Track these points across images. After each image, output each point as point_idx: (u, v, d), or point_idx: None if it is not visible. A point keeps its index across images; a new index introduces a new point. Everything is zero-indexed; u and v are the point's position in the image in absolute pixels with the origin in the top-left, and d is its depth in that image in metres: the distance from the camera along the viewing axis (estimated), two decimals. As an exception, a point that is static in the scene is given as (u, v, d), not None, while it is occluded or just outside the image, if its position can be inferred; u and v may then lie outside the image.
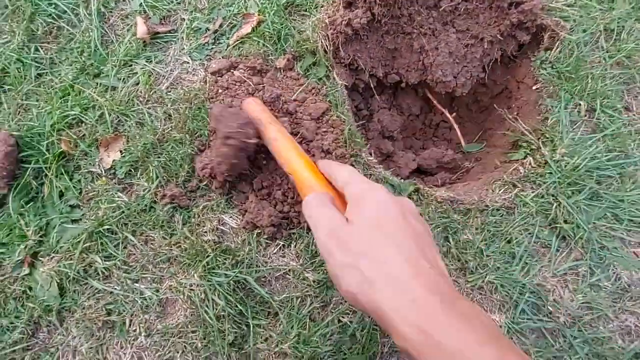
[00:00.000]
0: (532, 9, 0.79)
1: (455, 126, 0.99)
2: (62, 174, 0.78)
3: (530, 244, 0.74)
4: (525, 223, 0.75)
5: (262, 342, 0.69)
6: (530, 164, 0.79)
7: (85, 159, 0.79)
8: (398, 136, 0.95)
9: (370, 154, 0.79)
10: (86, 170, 0.79)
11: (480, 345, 0.33)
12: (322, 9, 0.87)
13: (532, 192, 0.76)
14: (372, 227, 0.41)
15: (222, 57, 0.87)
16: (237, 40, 0.87)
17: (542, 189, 0.76)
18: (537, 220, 0.75)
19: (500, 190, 0.78)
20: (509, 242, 0.74)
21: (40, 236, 0.75)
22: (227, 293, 0.70)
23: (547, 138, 0.80)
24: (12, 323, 0.71)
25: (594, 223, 0.75)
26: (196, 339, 0.69)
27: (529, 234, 0.74)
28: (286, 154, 0.62)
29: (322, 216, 0.45)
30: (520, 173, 0.79)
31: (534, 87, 0.85)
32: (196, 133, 0.79)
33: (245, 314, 0.70)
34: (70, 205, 0.77)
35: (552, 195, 0.76)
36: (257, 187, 0.73)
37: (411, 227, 0.41)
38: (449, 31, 0.83)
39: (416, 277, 0.37)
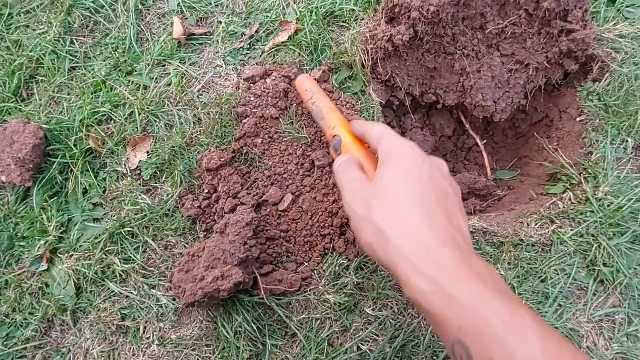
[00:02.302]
0: (584, 39, 0.75)
1: (484, 154, 0.95)
2: (87, 170, 0.77)
3: (566, 285, 0.70)
4: (561, 262, 0.71)
5: (277, 364, 0.67)
6: (569, 199, 0.75)
7: (112, 157, 0.78)
8: (429, 157, 0.92)
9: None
10: (112, 169, 0.77)
11: (491, 299, 0.33)
12: (363, 21, 0.84)
13: (571, 230, 0.72)
14: (394, 181, 0.42)
15: (256, 64, 0.85)
16: (273, 48, 0.85)
17: (582, 228, 0.72)
18: (575, 261, 0.71)
19: (536, 225, 0.74)
20: (543, 281, 0.70)
21: (61, 232, 0.74)
22: (245, 309, 0.67)
23: (590, 174, 0.76)
24: (25, 319, 0.70)
25: (635, 268, 0.71)
26: (210, 354, 0.67)
27: (565, 274, 0.70)
28: (330, 117, 0.64)
29: (347, 180, 0.47)
30: (559, 208, 0.75)
31: (578, 119, 0.81)
32: (224, 139, 0.78)
33: (263, 331, 0.68)
34: (93, 203, 0.76)
35: (592, 235, 0.72)
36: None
37: (436, 185, 0.42)
38: (493, 54, 0.80)
39: (432, 230, 0.37)
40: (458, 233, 0.39)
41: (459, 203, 0.43)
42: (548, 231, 0.73)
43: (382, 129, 0.49)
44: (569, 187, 0.78)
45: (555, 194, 0.78)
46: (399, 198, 0.40)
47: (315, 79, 0.78)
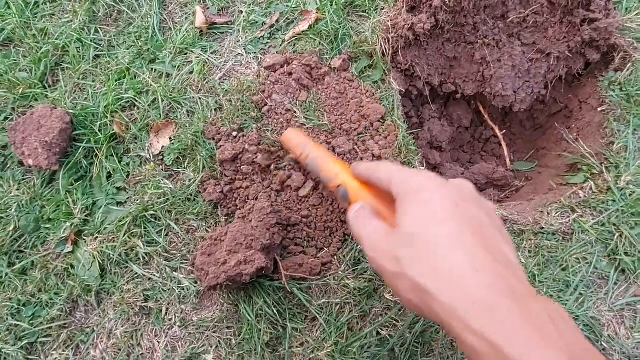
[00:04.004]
0: (607, 28, 0.75)
1: (504, 144, 0.95)
2: (111, 155, 0.79)
3: (587, 274, 0.69)
4: (582, 251, 0.71)
5: (297, 347, 0.67)
6: (591, 189, 0.75)
7: (135, 143, 0.79)
8: (447, 147, 0.92)
9: (422, 164, 0.76)
10: (135, 154, 0.79)
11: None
12: (383, 11, 0.85)
13: (592, 219, 0.72)
14: (419, 226, 0.36)
15: (277, 53, 0.86)
16: (293, 37, 0.86)
17: (604, 217, 0.72)
18: (596, 250, 0.71)
19: (556, 214, 0.74)
20: (564, 269, 0.70)
21: (86, 215, 0.75)
22: (266, 293, 0.68)
23: (612, 163, 0.76)
24: (51, 299, 0.71)
25: (657, 258, 0.70)
26: (231, 336, 0.68)
27: (587, 263, 0.70)
28: (328, 168, 0.58)
29: (366, 232, 0.42)
30: (580, 197, 0.74)
31: (599, 109, 0.81)
32: (243, 125, 0.78)
33: (283, 315, 0.68)
34: (117, 188, 0.77)
35: (614, 225, 0.71)
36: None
37: (467, 217, 0.36)
38: (514, 44, 0.80)
39: (475, 275, 0.32)
40: (507, 268, 0.33)
41: (498, 227, 0.37)
42: (569, 220, 0.73)
43: (388, 168, 0.44)
44: (589, 177, 0.77)
45: (576, 184, 0.78)
46: (430, 244, 0.35)
47: (301, 132, 0.71)
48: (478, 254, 0.33)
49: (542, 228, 0.72)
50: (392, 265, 0.36)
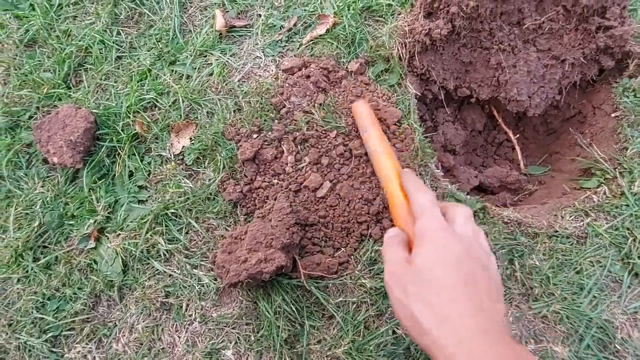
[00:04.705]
0: (622, 35, 0.76)
1: (518, 148, 0.96)
2: (133, 154, 0.80)
3: (601, 277, 0.70)
4: (596, 254, 0.72)
5: (315, 344, 0.69)
6: (604, 193, 0.76)
7: (157, 143, 0.81)
8: (460, 151, 0.93)
9: (437, 167, 0.77)
10: (156, 154, 0.81)
11: None
12: (400, 16, 0.86)
13: (606, 223, 0.73)
14: (426, 267, 0.43)
15: (295, 56, 0.88)
16: (311, 40, 0.88)
17: (617, 221, 0.73)
18: (610, 253, 0.72)
19: (570, 217, 0.75)
20: (578, 272, 0.71)
21: (109, 212, 0.77)
22: (284, 290, 0.70)
23: (625, 169, 0.77)
24: (75, 294, 0.73)
25: (671, 263, 0.71)
26: (250, 332, 0.70)
27: (601, 266, 0.71)
28: (385, 171, 0.64)
29: (390, 256, 0.48)
30: (594, 202, 0.76)
31: (613, 115, 0.82)
32: (262, 126, 0.80)
33: (301, 313, 0.70)
34: (138, 186, 0.79)
35: (628, 229, 0.72)
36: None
37: (469, 269, 0.42)
38: (529, 49, 0.81)
39: (464, 317, 0.38)
40: (491, 318, 0.39)
41: (496, 285, 0.43)
42: (583, 224, 0.74)
43: (425, 203, 0.49)
44: (603, 181, 0.78)
45: (590, 188, 0.79)
46: (432, 284, 0.41)
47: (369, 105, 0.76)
48: (470, 301, 0.40)
49: (556, 231, 0.73)
50: (400, 294, 0.43)
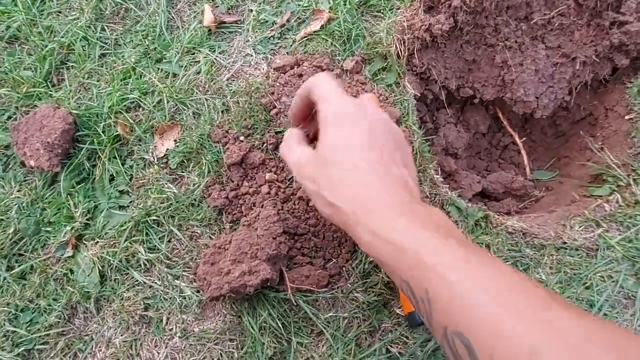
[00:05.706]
0: (638, 31, 0.70)
1: (523, 152, 0.91)
2: (115, 157, 0.76)
3: (613, 294, 0.65)
4: (608, 269, 0.66)
5: (302, 362, 0.64)
6: (617, 202, 0.71)
7: (139, 145, 0.77)
8: (462, 154, 0.88)
9: (437, 172, 0.72)
10: (139, 157, 0.76)
11: (421, 231, 0.35)
12: (399, 11, 0.81)
13: (619, 235, 0.68)
14: (330, 151, 0.42)
15: (287, 53, 0.83)
16: (304, 37, 0.83)
17: (631, 233, 0.67)
18: (623, 268, 0.66)
19: (580, 228, 0.69)
20: (587, 287, 0.66)
21: (87, 219, 0.73)
22: (271, 304, 0.65)
23: (640, 175, 0.71)
24: (49, 305, 0.69)
25: (689, 279, 0.65)
26: (234, 349, 0.65)
27: (612, 281, 0.66)
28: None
29: (290, 159, 0.47)
30: (605, 211, 0.70)
31: (626, 117, 0.76)
32: (251, 128, 0.76)
33: (288, 328, 0.65)
34: (119, 191, 0.74)
35: (643, 241, 0.67)
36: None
37: (373, 144, 0.42)
38: (537, 47, 0.76)
39: (371, 186, 0.40)
40: (399, 184, 0.41)
41: (401, 148, 0.44)
42: (594, 235, 0.68)
43: (323, 87, 0.45)
44: (616, 189, 0.73)
45: (601, 196, 0.73)
46: (337, 166, 0.41)
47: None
48: (378, 170, 0.40)
49: (565, 243, 0.68)
50: (312, 185, 0.43)
